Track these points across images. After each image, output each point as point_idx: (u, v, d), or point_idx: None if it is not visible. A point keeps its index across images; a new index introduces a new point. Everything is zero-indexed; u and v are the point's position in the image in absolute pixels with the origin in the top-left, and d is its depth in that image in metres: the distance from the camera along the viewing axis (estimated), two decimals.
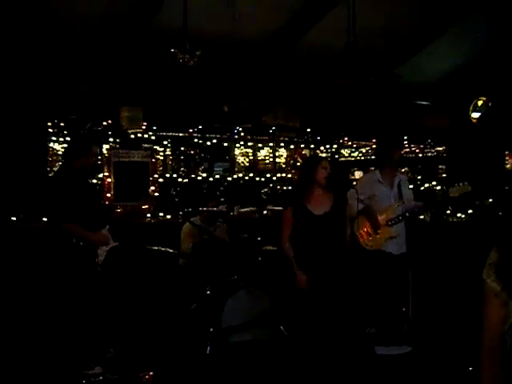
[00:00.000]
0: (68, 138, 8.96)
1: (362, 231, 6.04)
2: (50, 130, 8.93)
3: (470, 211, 9.56)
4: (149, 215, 8.81)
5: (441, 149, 11.95)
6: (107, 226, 5.40)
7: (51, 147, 9.04)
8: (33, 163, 8.35)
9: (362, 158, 11.64)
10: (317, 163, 5.48)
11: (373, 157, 11.06)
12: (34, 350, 5.74)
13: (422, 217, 7.95)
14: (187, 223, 7.08)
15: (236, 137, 10.47)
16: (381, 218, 5.98)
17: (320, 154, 10.90)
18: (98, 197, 6.27)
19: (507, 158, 12.04)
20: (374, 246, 5.99)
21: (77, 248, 5.13)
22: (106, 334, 5.43)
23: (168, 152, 9.99)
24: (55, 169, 8.76)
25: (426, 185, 11.13)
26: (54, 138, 9.05)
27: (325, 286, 5.25)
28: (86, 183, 5.58)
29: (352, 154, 11.67)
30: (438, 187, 10.91)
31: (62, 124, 9.03)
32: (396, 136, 9.48)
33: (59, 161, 8.90)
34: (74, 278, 5.14)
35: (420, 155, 11.88)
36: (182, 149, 10.13)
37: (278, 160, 10.98)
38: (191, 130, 10.14)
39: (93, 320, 5.18)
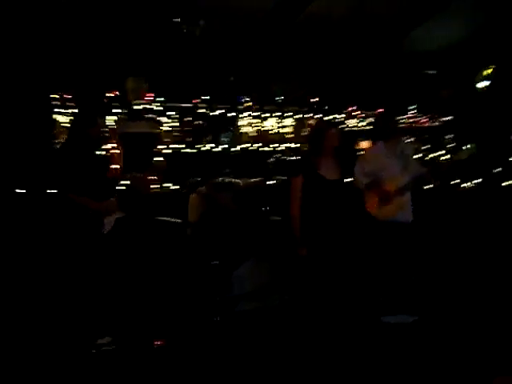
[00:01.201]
0: (73, 110, 8.93)
1: (372, 203, 6.04)
2: (55, 103, 8.90)
3: (477, 180, 9.52)
4: (156, 186, 8.81)
5: (448, 118, 11.87)
6: (114, 196, 5.40)
7: (56, 119, 9.02)
8: (38, 135, 8.34)
9: (370, 127, 11.56)
10: (325, 130, 5.44)
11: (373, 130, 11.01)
12: (44, 318, 5.78)
13: (427, 186, 7.92)
14: (194, 194, 7.09)
15: (242, 107, 10.42)
16: (390, 188, 5.97)
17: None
18: (104, 168, 6.25)
19: None
20: (386, 215, 5.98)
21: (82, 218, 5.14)
22: (116, 303, 5.47)
23: (174, 123, 9.95)
24: (61, 140, 8.77)
25: (433, 154, 11.07)
26: (58, 110, 9.03)
27: (337, 254, 5.25)
28: (92, 154, 5.57)
29: (360, 124, 11.60)
30: (446, 156, 10.86)
31: (66, 96, 9.01)
32: (389, 108, 9.46)
33: (64, 133, 8.88)
34: (79, 248, 5.17)
35: (427, 125, 11.81)
36: (188, 119, 10.09)
37: (284, 130, 10.93)
38: (197, 101, 10.09)
39: (101, 290, 5.21)
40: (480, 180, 9.52)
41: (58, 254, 5.62)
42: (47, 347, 5.21)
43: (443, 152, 11.03)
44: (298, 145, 10.81)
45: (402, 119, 11.61)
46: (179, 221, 6.38)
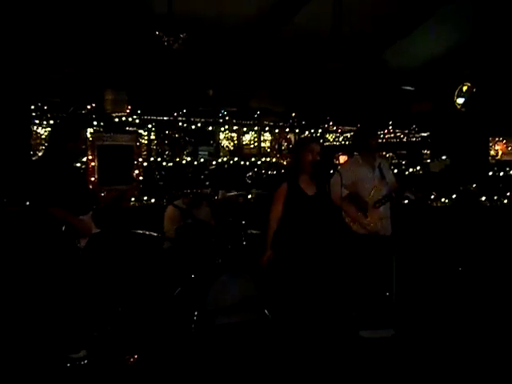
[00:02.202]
0: (51, 122, 8.89)
1: (351, 217, 6.06)
2: (33, 114, 8.85)
3: (453, 196, 9.60)
4: (133, 199, 8.77)
5: (425, 134, 12.00)
6: (90, 212, 5.34)
7: (34, 131, 8.98)
8: (16, 147, 8.27)
9: (347, 142, 11.66)
10: (304, 146, 5.45)
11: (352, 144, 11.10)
12: (18, 333, 5.71)
13: (406, 201, 7.98)
14: (170, 206, 7.05)
15: (221, 121, 10.45)
16: (367, 201, 6.01)
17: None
18: (83, 181, 6.19)
19: (491, 143, 12.12)
20: (365, 229, 6.00)
21: (58, 232, 5.09)
22: (92, 317, 5.41)
23: (152, 136, 9.95)
24: (39, 152, 8.72)
25: (411, 169, 11.18)
26: (37, 122, 8.99)
27: (311, 268, 5.24)
28: (71, 167, 5.52)
29: (337, 139, 11.69)
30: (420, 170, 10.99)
31: (45, 107, 8.96)
32: (371, 124, 9.55)
33: (42, 144, 8.83)
34: (55, 262, 5.11)
35: (404, 140, 11.92)
36: (167, 132, 10.09)
37: (262, 144, 10.97)
38: (176, 114, 10.09)
39: (76, 304, 5.16)
40: (455, 196, 9.60)
41: (33, 268, 5.55)
42: (21, 362, 5.15)
43: (419, 167, 11.16)
44: (274, 159, 10.88)
45: (380, 134, 11.73)
46: (156, 234, 6.34)
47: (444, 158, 6.06)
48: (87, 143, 8.89)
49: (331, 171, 5.81)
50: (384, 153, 11.60)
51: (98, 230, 5.37)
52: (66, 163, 5.28)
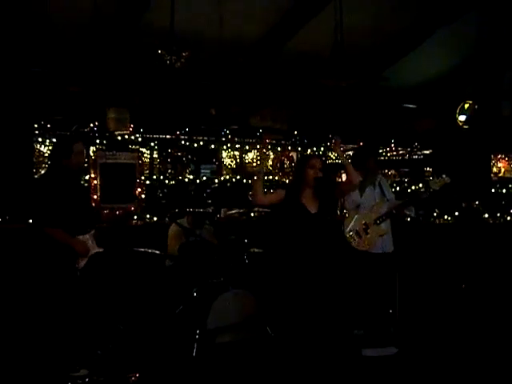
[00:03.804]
0: (54, 140, 8.91)
1: (352, 233, 6.06)
2: (36, 132, 8.88)
3: (456, 213, 9.59)
4: (135, 217, 8.76)
5: (428, 152, 11.99)
6: (92, 231, 5.33)
7: (37, 148, 9.01)
8: (18, 164, 8.28)
9: (349, 160, 11.65)
10: (306, 162, 5.44)
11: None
12: (18, 353, 5.68)
13: (408, 218, 7.96)
14: (174, 225, 7.05)
15: (223, 139, 10.47)
16: (369, 217, 6.02)
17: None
18: (85, 199, 6.17)
19: (493, 160, 12.12)
20: (365, 246, 6.00)
21: (56, 251, 5.08)
22: (93, 336, 5.38)
23: (155, 154, 9.97)
24: (41, 170, 8.75)
25: (413, 187, 11.16)
26: (40, 140, 9.02)
27: (314, 286, 5.21)
28: (72, 185, 5.49)
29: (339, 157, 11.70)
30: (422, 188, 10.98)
31: (48, 125, 9.00)
32: (371, 143, 9.56)
33: (45, 162, 8.86)
34: (52, 281, 5.09)
35: (406, 157, 11.92)
36: (169, 151, 10.11)
37: (265, 162, 10.98)
38: (178, 132, 10.11)
39: (77, 323, 5.13)
40: (457, 213, 9.58)
41: (31, 287, 5.53)
42: (24, 380, 5.12)
43: (422, 185, 11.13)
44: (277, 178, 10.88)
45: (383, 152, 11.73)
46: (158, 252, 6.33)
47: (444, 176, 6.08)
48: (90, 161, 8.91)
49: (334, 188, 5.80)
50: (386, 170, 11.60)
51: (100, 250, 5.35)
52: (66, 180, 5.27)
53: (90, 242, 5.30)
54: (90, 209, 5.83)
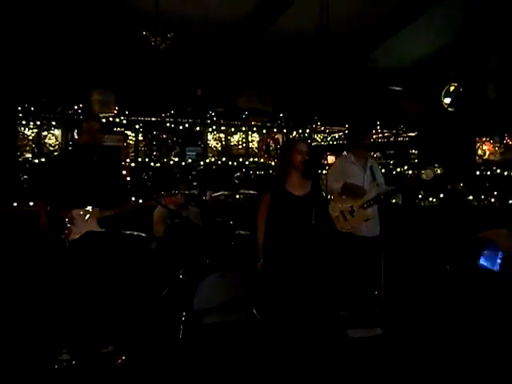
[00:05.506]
0: (38, 122, 8.85)
1: (338, 214, 6.06)
2: (20, 115, 8.81)
3: (441, 195, 9.63)
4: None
5: (413, 134, 12.03)
6: (96, 208, 5.27)
7: (21, 131, 8.94)
8: (2, 147, 8.22)
9: (335, 143, 11.68)
10: (292, 147, 5.44)
11: (345, 142, 11.10)
12: (3, 333, 5.67)
13: (394, 200, 7.99)
14: (159, 207, 7.02)
15: (209, 121, 10.44)
16: (356, 201, 6.01)
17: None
18: (107, 175, 6.01)
19: (478, 143, 12.16)
20: (350, 228, 6.01)
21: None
22: (78, 317, 5.37)
23: (140, 136, 9.92)
24: (26, 153, 8.74)
25: (398, 169, 11.20)
26: (23, 122, 8.95)
27: (299, 268, 5.23)
28: (85, 161, 5.43)
29: (325, 139, 11.70)
30: (410, 171, 10.99)
31: (32, 108, 8.92)
32: (367, 119, 9.52)
33: (29, 145, 8.81)
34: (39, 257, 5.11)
35: (392, 140, 11.95)
36: (155, 133, 10.07)
37: (250, 145, 10.97)
38: (163, 115, 10.07)
39: (63, 303, 5.12)
40: (443, 196, 9.63)
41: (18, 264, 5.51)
42: (8, 363, 5.11)
43: (408, 167, 11.18)
44: (262, 160, 10.88)
45: (371, 134, 11.74)
46: (144, 235, 6.32)
47: (437, 166, 6.04)
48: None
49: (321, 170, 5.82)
50: (372, 153, 11.63)
51: (100, 230, 5.32)
52: (77, 157, 5.33)
53: (86, 218, 5.25)
54: (117, 184, 5.75)
